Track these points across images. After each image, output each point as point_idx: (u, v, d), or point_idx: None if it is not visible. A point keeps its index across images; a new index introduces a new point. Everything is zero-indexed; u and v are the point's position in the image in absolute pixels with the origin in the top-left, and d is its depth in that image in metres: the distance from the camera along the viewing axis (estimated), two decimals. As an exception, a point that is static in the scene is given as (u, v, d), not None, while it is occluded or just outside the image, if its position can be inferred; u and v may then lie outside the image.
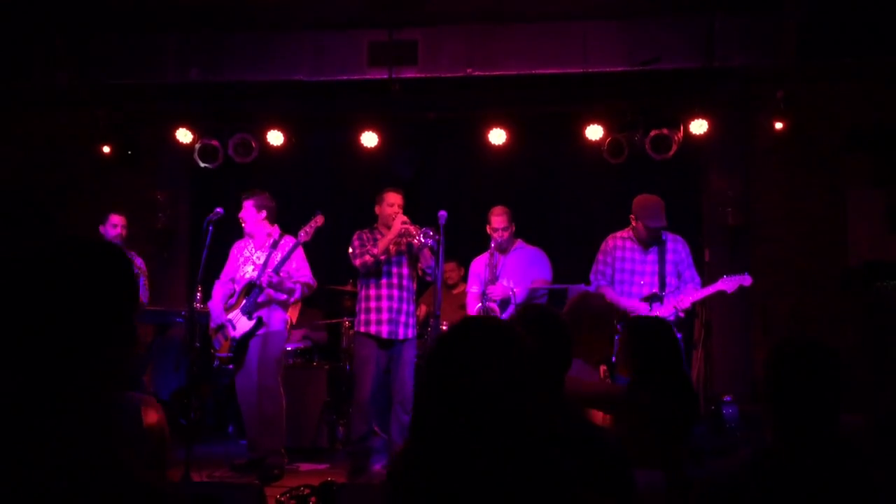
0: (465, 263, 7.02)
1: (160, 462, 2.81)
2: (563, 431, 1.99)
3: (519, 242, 6.24)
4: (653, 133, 7.22)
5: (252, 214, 5.90)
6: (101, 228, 6.63)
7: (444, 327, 6.46)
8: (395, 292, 5.88)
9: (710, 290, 5.51)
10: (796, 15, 6.60)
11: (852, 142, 7.49)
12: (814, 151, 7.54)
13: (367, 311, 5.88)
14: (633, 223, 5.59)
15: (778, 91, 7.14)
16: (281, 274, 5.76)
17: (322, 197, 8.26)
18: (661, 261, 5.56)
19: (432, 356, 1.62)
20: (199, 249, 5.75)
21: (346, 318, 7.23)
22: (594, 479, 1.97)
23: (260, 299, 5.79)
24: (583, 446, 2.01)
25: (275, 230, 6.00)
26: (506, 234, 6.05)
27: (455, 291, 7.39)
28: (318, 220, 5.84)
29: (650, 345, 3.29)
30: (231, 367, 5.92)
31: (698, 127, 7.26)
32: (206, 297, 6.70)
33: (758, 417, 6.04)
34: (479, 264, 6.25)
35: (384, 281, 5.89)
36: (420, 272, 5.99)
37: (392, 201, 5.92)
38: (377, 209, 6.01)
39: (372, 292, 5.89)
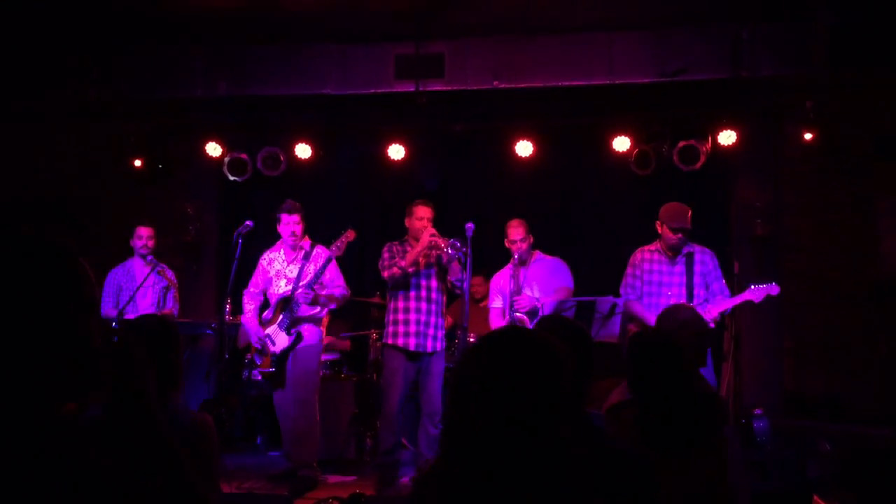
0: (490, 277, 7.02)
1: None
2: (585, 448, 1.96)
3: (537, 254, 6.23)
4: (680, 144, 7.19)
5: (301, 228, 5.96)
6: (131, 241, 6.72)
7: (472, 339, 6.48)
8: (424, 305, 5.90)
9: (737, 299, 5.49)
10: (825, 24, 6.56)
11: (883, 151, 7.41)
12: (844, 161, 7.46)
13: (396, 323, 5.89)
14: (659, 229, 5.61)
15: (807, 101, 7.09)
16: (315, 288, 5.79)
17: (349, 209, 8.30)
18: (689, 272, 5.56)
19: (462, 366, 1.60)
20: (229, 261, 5.81)
21: (373, 330, 7.25)
22: (617, 500, 1.94)
23: (297, 315, 5.83)
24: (604, 465, 1.98)
25: (305, 241, 6.05)
26: (524, 246, 6.05)
27: (482, 305, 7.38)
28: (350, 234, 5.87)
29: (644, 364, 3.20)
30: (268, 380, 5.96)
31: (726, 138, 7.22)
32: (236, 309, 6.75)
33: (789, 430, 5.99)
34: (500, 278, 6.25)
35: (413, 293, 5.90)
36: (449, 285, 6.00)
37: (422, 214, 5.93)
38: (407, 222, 6.02)
39: (400, 304, 5.91)
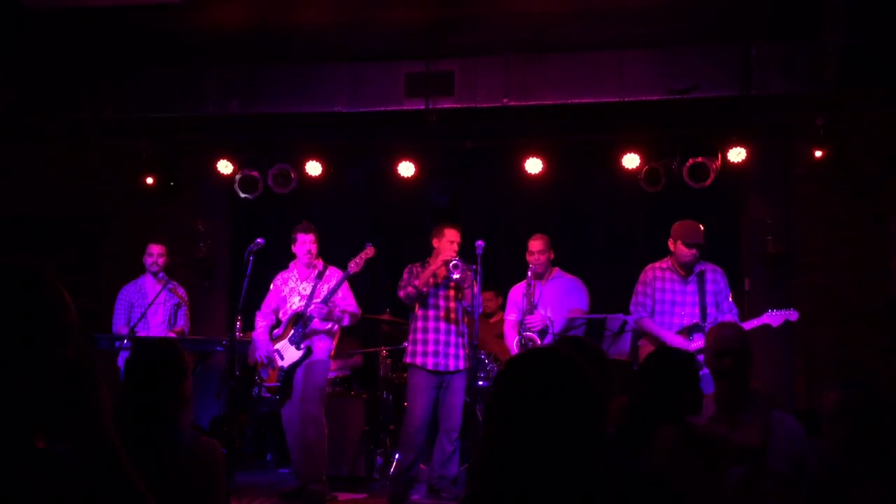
0: (502, 292, 7.02)
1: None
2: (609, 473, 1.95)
3: (557, 271, 6.24)
4: (690, 161, 7.19)
5: (316, 247, 6.01)
6: (143, 258, 6.76)
7: (483, 356, 6.48)
8: (443, 325, 5.93)
9: (755, 323, 5.43)
10: (835, 42, 6.56)
11: (894, 168, 7.39)
12: (855, 178, 7.44)
13: (415, 342, 5.94)
14: (672, 247, 5.59)
15: (818, 118, 7.08)
16: (329, 304, 5.83)
17: (359, 226, 8.34)
18: (702, 291, 5.53)
19: (497, 387, 1.60)
20: (240, 279, 5.83)
21: (383, 347, 7.26)
22: None
23: (308, 330, 5.86)
24: (629, 487, 1.98)
25: (318, 261, 6.09)
26: (542, 258, 6.06)
27: (492, 321, 7.38)
28: (369, 251, 5.90)
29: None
30: (276, 396, 5.97)
31: (736, 155, 7.22)
32: (247, 326, 6.77)
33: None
34: (517, 292, 6.26)
35: (431, 313, 5.95)
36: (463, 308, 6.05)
37: (453, 238, 5.97)
38: (435, 242, 6.01)
39: (419, 324, 5.96)
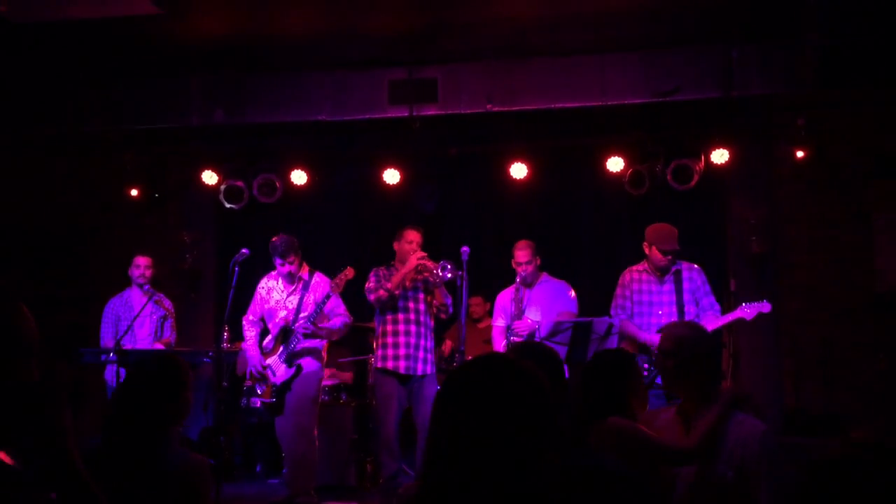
0: (489, 298, 7.02)
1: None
2: (576, 473, 1.94)
3: (544, 276, 6.24)
4: (674, 164, 7.23)
5: (297, 265, 5.94)
6: (130, 270, 6.74)
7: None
8: (413, 328, 5.91)
9: (729, 317, 5.52)
10: (815, 43, 6.61)
11: (877, 167, 7.44)
12: (839, 177, 7.49)
13: (385, 346, 5.91)
14: (647, 251, 5.64)
15: (798, 119, 7.13)
16: (315, 321, 5.80)
17: (345, 234, 8.33)
18: (678, 290, 5.57)
19: (441, 392, 1.60)
20: (226, 289, 5.81)
21: (371, 356, 7.24)
22: None
23: (298, 347, 5.83)
24: (595, 486, 1.98)
25: (304, 270, 6.05)
26: (530, 268, 6.06)
27: (480, 326, 7.38)
28: (349, 272, 5.87)
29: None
30: (269, 410, 5.95)
31: (719, 156, 7.26)
32: (234, 336, 6.75)
33: (790, 448, 5.96)
34: (504, 298, 6.25)
35: (401, 316, 5.92)
36: (434, 310, 6.01)
37: (411, 238, 5.96)
38: (396, 245, 6.05)
39: (389, 328, 5.93)
